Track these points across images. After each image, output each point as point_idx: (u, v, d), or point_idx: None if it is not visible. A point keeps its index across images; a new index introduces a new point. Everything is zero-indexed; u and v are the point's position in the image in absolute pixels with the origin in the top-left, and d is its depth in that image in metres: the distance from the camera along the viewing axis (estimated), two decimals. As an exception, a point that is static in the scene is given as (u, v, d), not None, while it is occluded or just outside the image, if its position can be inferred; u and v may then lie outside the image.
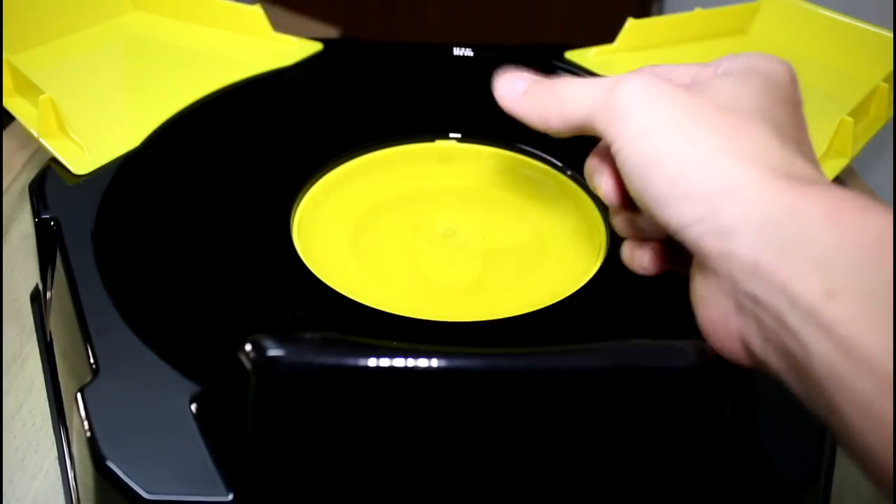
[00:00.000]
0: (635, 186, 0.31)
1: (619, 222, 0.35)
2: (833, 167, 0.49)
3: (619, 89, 0.31)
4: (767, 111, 0.31)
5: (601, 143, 0.34)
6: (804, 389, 0.28)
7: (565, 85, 0.34)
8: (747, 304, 0.29)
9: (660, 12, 1.12)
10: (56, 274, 0.42)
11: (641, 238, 0.35)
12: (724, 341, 0.30)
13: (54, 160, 0.46)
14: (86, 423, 0.34)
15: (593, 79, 0.33)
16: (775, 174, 0.29)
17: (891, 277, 0.25)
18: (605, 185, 0.34)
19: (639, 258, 0.35)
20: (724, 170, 0.29)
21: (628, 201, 0.33)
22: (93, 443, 0.33)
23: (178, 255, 0.42)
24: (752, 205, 0.28)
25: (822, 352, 0.26)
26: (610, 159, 0.34)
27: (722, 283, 0.29)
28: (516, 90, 0.35)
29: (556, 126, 0.34)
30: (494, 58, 0.58)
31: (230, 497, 0.32)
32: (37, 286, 0.47)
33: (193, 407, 0.34)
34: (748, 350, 0.29)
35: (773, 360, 0.28)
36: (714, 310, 0.30)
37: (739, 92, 0.31)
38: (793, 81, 0.33)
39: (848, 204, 0.27)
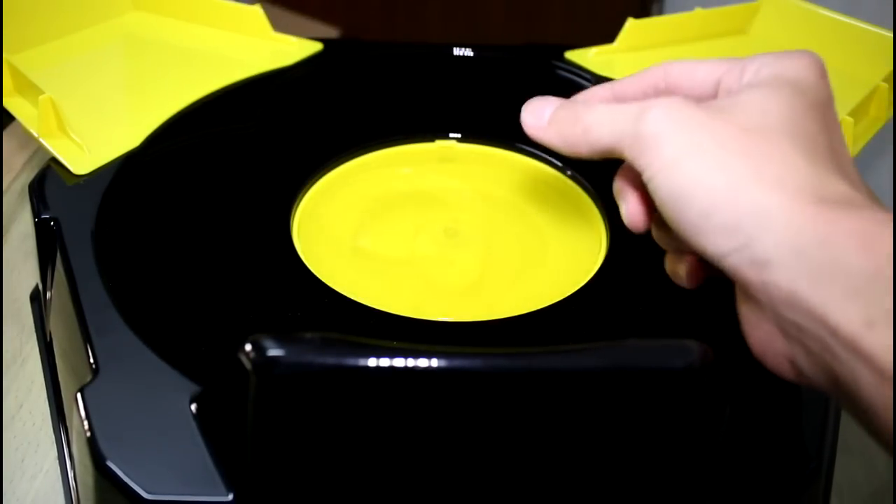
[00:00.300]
0: (669, 216, 0.31)
1: (656, 237, 0.35)
2: (833, 167, 0.49)
3: (645, 119, 0.31)
4: (797, 124, 0.31)
5: (626, 165, 0.34)
6: (855, 410, 0.28)
7: (590, 111, 0.33)
8: (791, 330, 0.29)
9: (660, 12, 1.12)
10: (56, 274, 0.42)
11: (678, 251, 0.35)
12: (772, 361, 0.30)
13: (54, 160, 0.46)
14: (86, 423, 0.34)
15: (618, 105, 0.33)
16: (805, 199, 0.28)
17: None
18: (628, 209, 0.34)
19: (679, 271, 0.35)
20: (753, 199, 0.29)
21: (658, 222, 0.33)
22: (93, 443, 0.33)
23: (177, 255, 0.42)
24: (783, 235, 0.28)
25: (867, 380, 0.26)
26: (635, 183, 0.34)
27: (765, 310, 0.29)
28: (542, 118, 0.35)
29: (584, 153, 0.34)
30: (494, 58, 0.58)
31: (230, 497, 0.32)
32: (37, 286, 0.47)
33: (193, 407, 0.34)
34: (798, 370, 0.30)
35: (823, 382, 0.29)
36: (760, 332, 0.30)
37: (767, 107, 0.31)
38: (822, 80, 0.33)
39: (880, 229, 0.27)
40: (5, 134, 0.60)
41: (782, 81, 0.32)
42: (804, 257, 0.28)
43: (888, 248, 0.27)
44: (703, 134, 0.30)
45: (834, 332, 0.27)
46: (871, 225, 0.27)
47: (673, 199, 0.30)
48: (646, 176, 0.31)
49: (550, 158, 0.50)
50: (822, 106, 0.32)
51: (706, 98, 0.34)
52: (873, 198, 0.31)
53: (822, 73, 0.33)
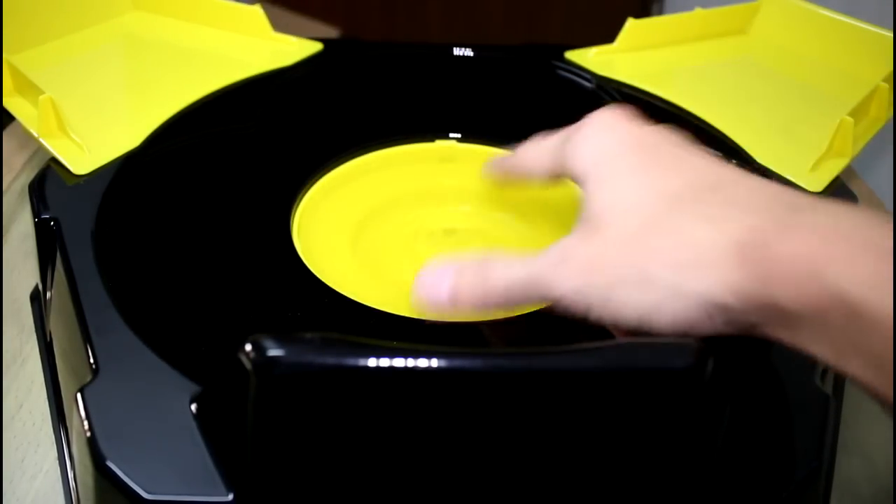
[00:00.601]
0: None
1: None
2: (833, 167, 0.49)
3: (553, 287, 0.32)
4: (659, 197, 0.31)
5: None
6: None
7: (495, 272, 0.34)
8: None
9: (660, 12, 1.13)
10: (56, 274, 0.42)
11: None
12: None
13: (54, 160, 0.46)
14: (86, 423, 0.34)
15: (520, 261, 0.34)
16: (731, 270, 0.29)
17: (872, 332, 0.26)
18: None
19: None
20: (701, 299, 0.30)
21: None
22: (93, 443, 0.33)
23: (177, 255, 0.42)
24: (748, 311, 0.29)
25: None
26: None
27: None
28: (441, 292, 0.35)
29: (508, 310, 0.35)
30: (494, 58, 0.58)
31: (230, 497, 0.32)
32: (37, 286, 0.47)
33: (193, 407, 0.34)
34: None
35: None
36: None
37: (624, 205, 0.32)
38: (636, 127, 0.33)
39: (799, 272, 0.28)
40: (5, 134, 0.60)
41: (610, 161, 0.33)
42: (767, 315, 0.29)
43: (815, 290, 0.27)
44: (609, 279, 0.31)
45: (829, 365, 0.29)
46: (789, 266, 0.28)
47: (638, 330, 0.31)
48: (594, 320, 0.32)
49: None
50: (659, 154, 0.33)
51: (549, 171, 0.36)
52: (761, 182, 0.31)
53: (628, 122, 0.34)
